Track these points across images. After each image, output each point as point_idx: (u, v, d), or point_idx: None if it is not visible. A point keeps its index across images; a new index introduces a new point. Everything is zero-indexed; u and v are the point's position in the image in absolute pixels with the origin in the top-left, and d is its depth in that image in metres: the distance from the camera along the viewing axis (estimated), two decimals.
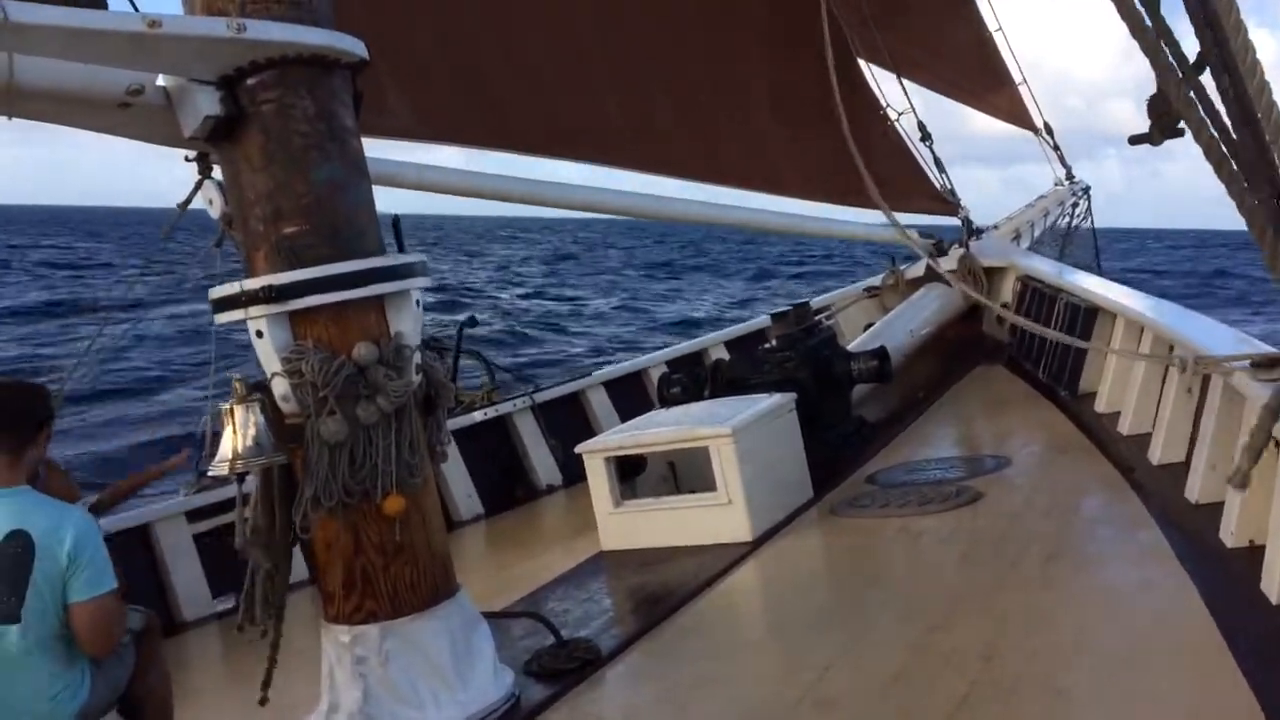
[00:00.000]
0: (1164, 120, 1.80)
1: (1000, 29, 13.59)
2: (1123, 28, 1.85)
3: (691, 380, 6.72)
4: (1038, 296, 8.80)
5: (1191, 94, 1.59)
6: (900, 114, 11.32)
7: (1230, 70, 1.37)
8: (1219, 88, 1.48)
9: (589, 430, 7.39)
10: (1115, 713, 2.85)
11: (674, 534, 5.21)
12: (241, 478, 3.21)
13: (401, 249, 3.53)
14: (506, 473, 7.60)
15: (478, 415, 7.56)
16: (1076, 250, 14.49)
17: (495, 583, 5.18)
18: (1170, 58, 1.66)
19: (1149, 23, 1.62)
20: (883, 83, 11.11)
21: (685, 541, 5.15)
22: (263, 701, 3.36)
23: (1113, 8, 1.57)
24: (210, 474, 3.23)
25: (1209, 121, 1.54)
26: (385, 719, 3.24)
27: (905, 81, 11.04)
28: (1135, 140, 1.91)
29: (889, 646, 3.57)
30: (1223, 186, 1.58)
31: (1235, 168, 1.48)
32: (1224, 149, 1.49)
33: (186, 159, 3.60)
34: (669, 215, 8.83)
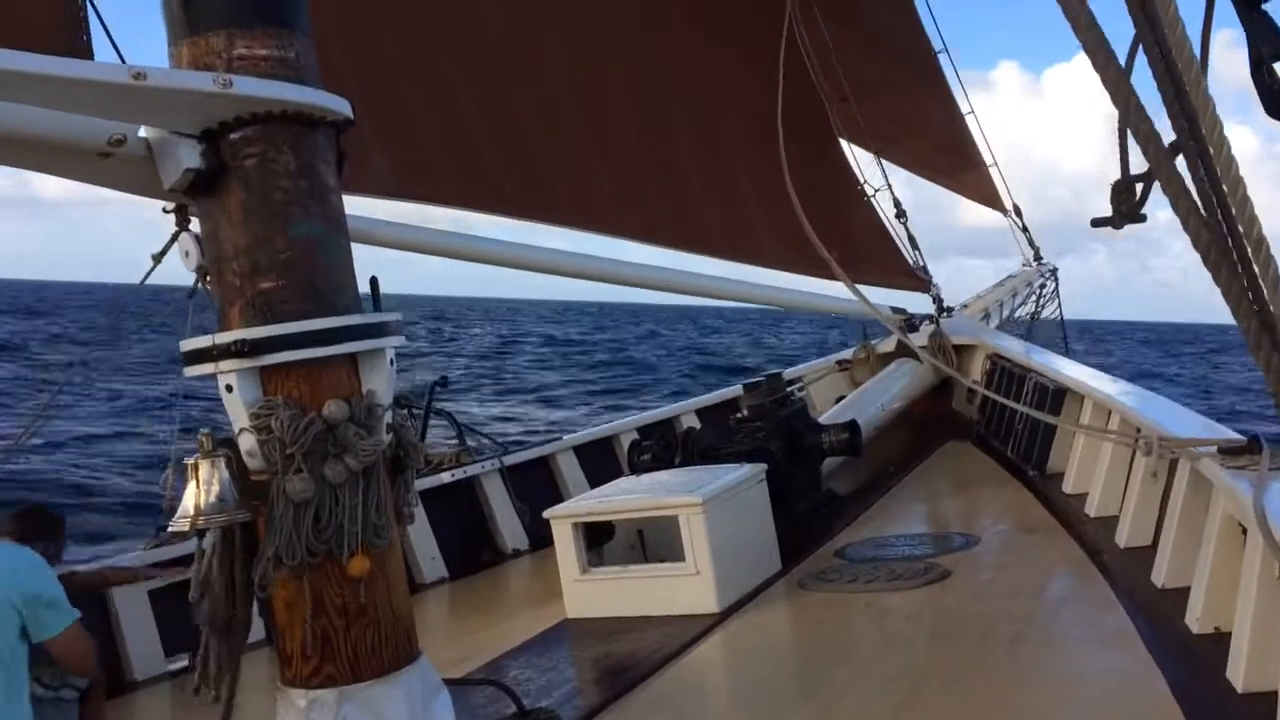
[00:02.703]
0: (1126, 205, 1.84)
1: (972, 111, 13.94)
2: (1110, 120, 1.90)
3: (662, 448, 6.70)
4: (1007, 375, 8.88)
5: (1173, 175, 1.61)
6: (876, 190, 11.53)
7: (1204, 158, 1.40)
8: (1193, 176, 1.50)
9: (558, 495, 7.34)
10: None
11: (641, 603, 5.15)
12: (203, 534, 3.15)
13: (378, 307, 3.51)
14: (472, 536, 7.50)
15: (445, 476, 7.49)
16: (1043, 332, 14.70)
17: (457, 648, 5.09)
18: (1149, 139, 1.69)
19: (1130, 104, 1.65)
20: (861, 162, 11.35)
21: (652, 611, 5.09)
22: None
23: (1100, 94, 1.61)
24: (171, 530, 3.17)
25: (1190, 203, 1.56)
26: None
27: (882, 160, 11.27)
28: (1097, 223, 1.95)
29: None
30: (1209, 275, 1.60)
31: (1218, 264, 1.51)
32: (1208, 232, 1.52)
33: (165, 210, 3.58)
34: (647, 283, 8.87)
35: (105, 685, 3.68)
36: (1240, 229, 1.41)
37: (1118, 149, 1.90)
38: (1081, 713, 3.42)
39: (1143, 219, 1.91)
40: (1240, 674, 3.19)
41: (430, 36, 7.25)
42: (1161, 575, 4.31)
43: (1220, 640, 3.48)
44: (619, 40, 8.54)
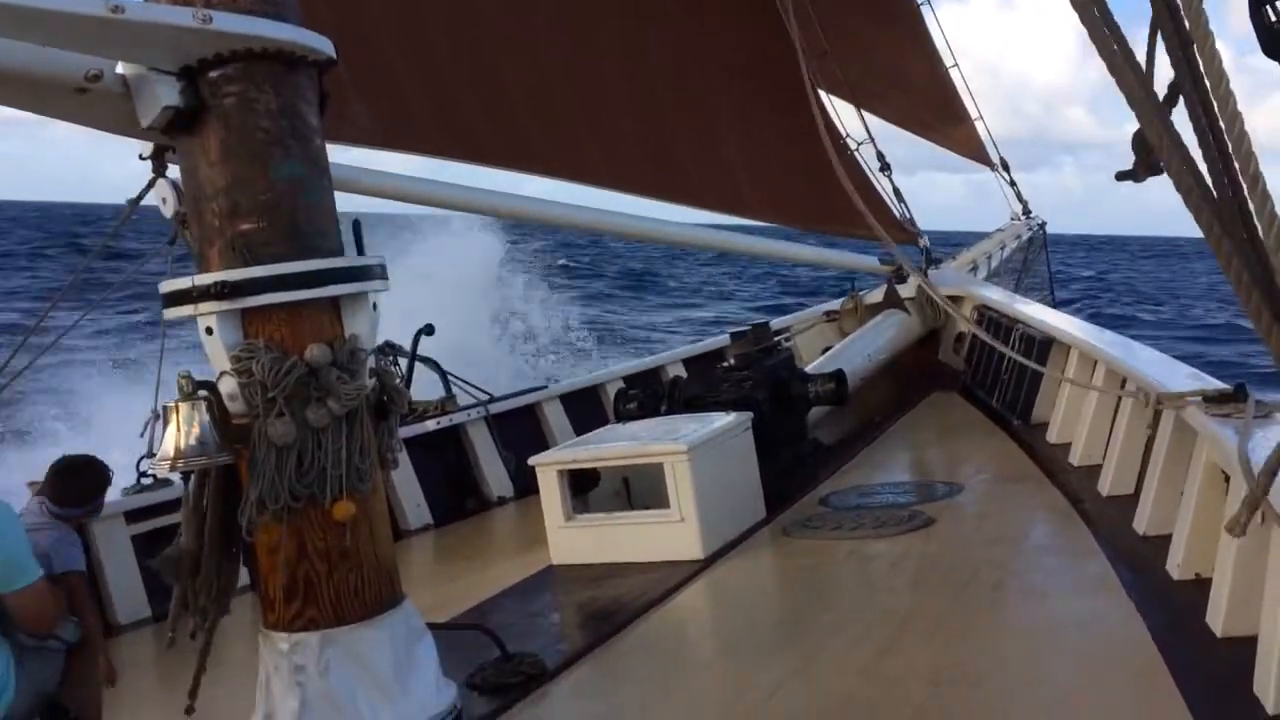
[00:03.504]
0: (1148, 157, 1.80)
1: (956, 65, 13.84)
2: (1080, 34, 1.86)
3: (648, 397, 6.70)
4: (994, 326, 8.89)
5: (1167, 129, 1.58)
6: (860, 144, 11.45)
7: (1204, 103, 1.37)
8: (1194, 123, 1.47)
9: (543, 443, 7.34)
10: None
11: (625, 550, 5.17)
12: (187, 477, 3.13)
13: (361, 251, 3.47)
14: (457, 483, 7.51)
15: (430, 424, 7.47)
16: (1032, 283, 14.74)
17: (442, 594, 5.11)
18: (1142, 89, 1.66)
19: (1119, 51, 1.62)
20: (843, 116, 11.25)
21: (636, 558, 5.11)
22: (188, 710, 3.26)
23: (1082, 32, 1.58)
24: (151, 472, 3.16)
25: (1184, 160, 1.53)
26: None
27: (865, 114, 11.17)
28: (1121, 176, 1.91)
29: (838, 669, 3.56)
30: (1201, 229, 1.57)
31: (1212, 211, 1.48)
32: (1200, 193, 1.49)
33: (141, 157, 3.52)
34: (633, 233, 8.83)
35: (102, 645, 3.65)
36: (1247, 197, 1.38)
37: (1124, 98, 1.86)
38: (1062, 657, 3.45)
39: (1162, 171, 1.87)
40: (1220, 619, 3.23)
41: None
42: (1143, 523, 4.34)
43: (1201, 586, 3.52)
44: None
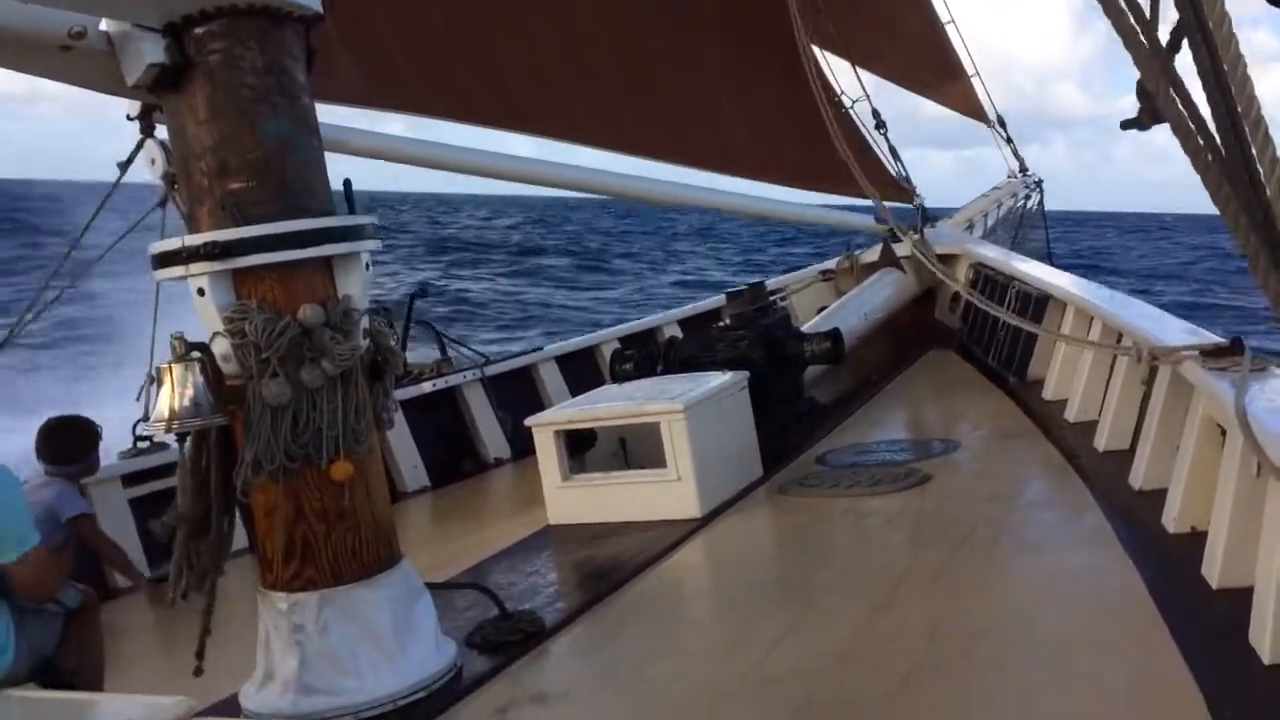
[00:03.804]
0: (1153, 104, 1.76)
1: (952, 20, 13.69)
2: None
3: (644, 357, 6.68)
4: (990, 284, 8.87)
5: (1166, 76, 1.55)
6: (855, 101, 11.36)
7: (1209, 46, 1.35)
8: (1198, 68, 1.45)
9: (539, 404, 7.34)
10: (1056, 693, 2.87)
11: (622, 509, 5.18)
12: (182, 438, 3.12)
13: (352, 211, 3.44)
14: (454, 445, 7.52)
15: (426, 386, 7.47)
16: (1028, 241, 14.68)
17: (440, 554, 5.12)
18: (1142, 35, 1.63)
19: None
20: (838, 73, 11.15)
21: (633, 517, 5.12)
22: (197, 671, 3.28)
23: None
24: (145, 433, 3.15)
25: (1183, 106, 1.50)
26: (322, 688, 3.18)
27: (860, 71, 11.06)
28: (1126, 125, 1.88)
29: (835, 624, 3.57)
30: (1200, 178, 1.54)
31: (1210, 159, 1.45)
32: (1199, 138, 1.46)
33: (129, 117, 3.48)
34: (626, 192, 8.75)
35: (97, 607, 3.65)
36: (1251, 148, 1.36)
37: (1121, 42, 1.83)
38: (1058, 611, 3.47)
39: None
40: (1216, 570, 3.24)
41: None
42: (1139, 478, 4.35)
43: (1196, 539, 3.53)
44: None
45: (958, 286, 7.35)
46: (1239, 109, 1.35)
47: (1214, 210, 1.63)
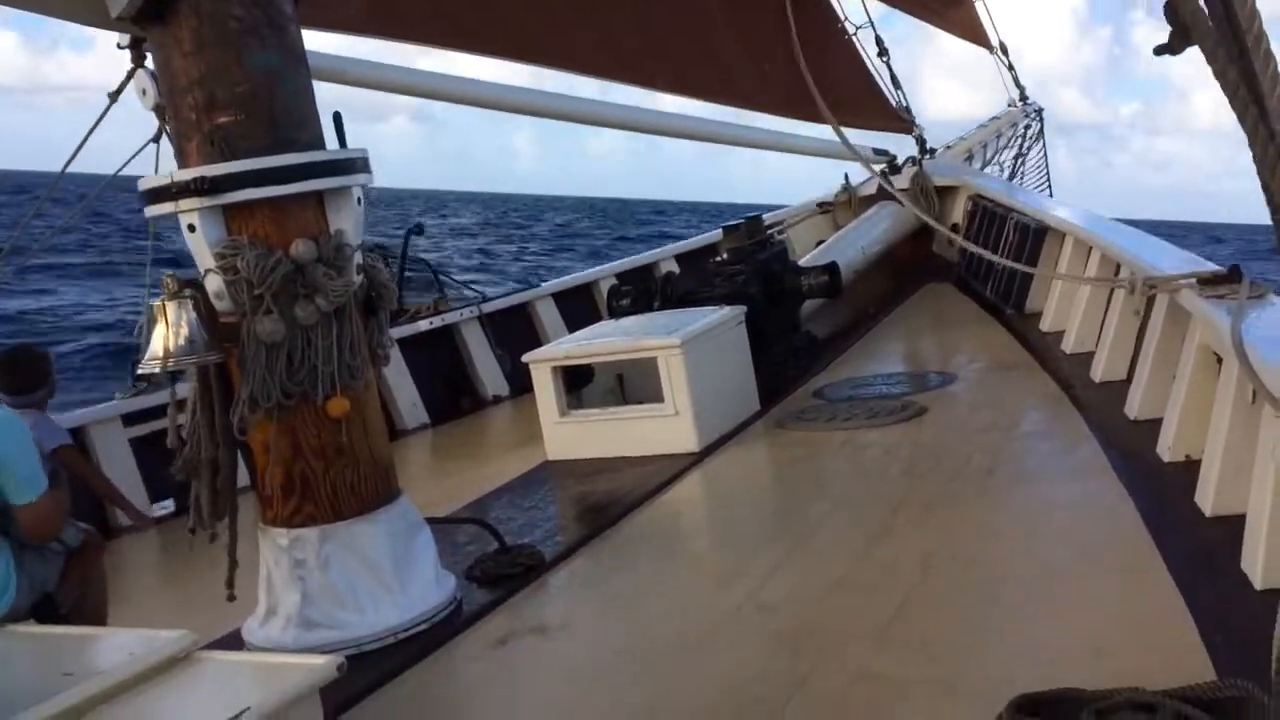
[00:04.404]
0: (1183, 26, 1.72)
1: None
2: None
3: (641, 293, 6.66)
4: (988, 216, 8.82)
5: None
6: (859, 28, 11.17)
7: None
8: None
9: (537, 341, 7.33)
10: (1049, 620, 2.90)
11: (620, 444, 5.20)
12: (174, 377, 3.11)
13: (343, 144, 3.40)
14: (452, 383, 7.53)
15: (423, 324, 7.45)
16: (1029, 170, 14.55)
17: (439, 491, 5.15)
18: None
19: None
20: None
21: (631, 452, 5.14)
22: (230, 599, 3.35)
23: None
24: (141, 372, 3.14)
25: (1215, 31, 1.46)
26: (323, 622, 3.22)
27: None
28: (1159, 50, 1.83)
29: (831, 554, 3.61)
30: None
31: (1239, 78, 1.42)
32: (1227, 57, 1.42)
33: (119, 46, 3.42)
34: (617, 121, 8.63)
35: (102, 545, 3.68)
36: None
37: None
38: (1052, 539, 3.50)
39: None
40: (1209, 498, 3.26)
41: None
42: (1134, 408, 4.36)
43: (1190, 468, 3.54)
44: None
45: (948, 234, 7.30)
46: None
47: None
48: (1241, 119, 1.43)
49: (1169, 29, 1.59)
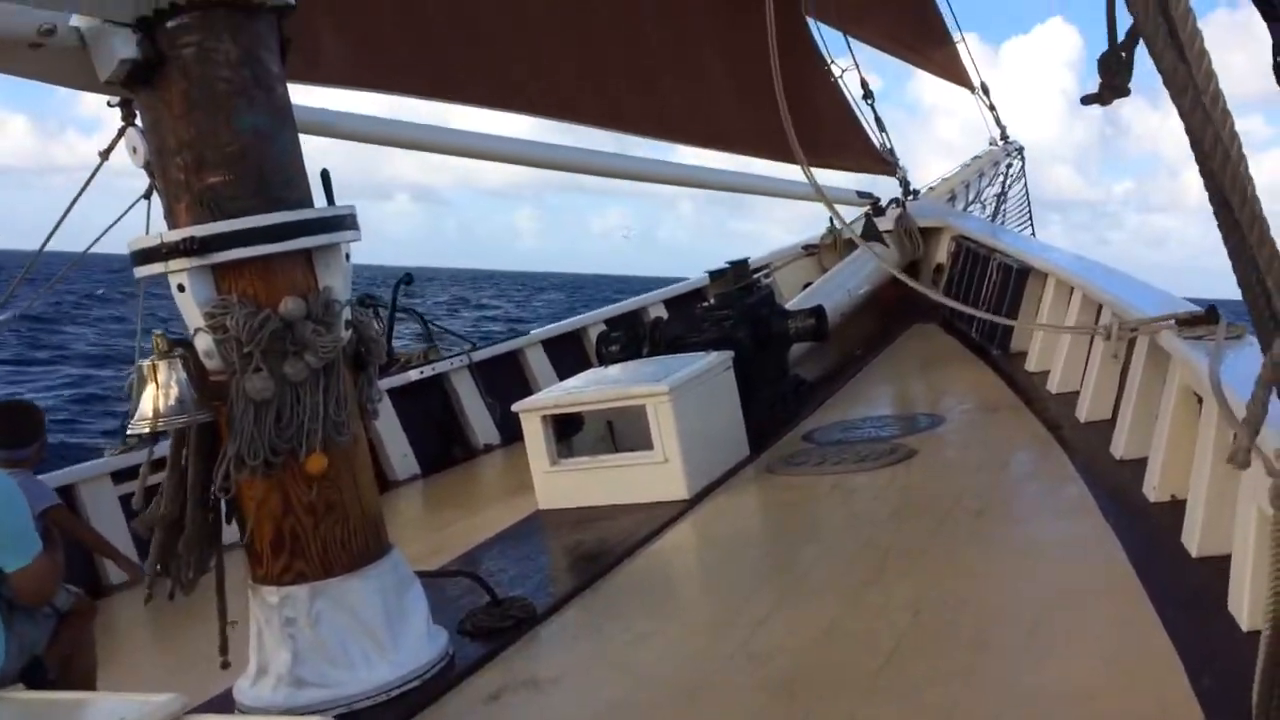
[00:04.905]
0: (1113, 79, 1.78)
1: None
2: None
3: (630, 339, 6.69)
4: (971, 256, 8.91)
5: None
6: (844, 71, 11.35)
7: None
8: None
9: (527, 389, 7.34)
10: (1039, 663, 2.91)
11: (611, 492, 5.20)
12: (158, 438, 3.12)
13: (331, 202, 3.44)
14: (443, 432, 7.53)
15: (414, 374, 7.46)
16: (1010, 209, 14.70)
17: (430, 542, 5.14)
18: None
19: None
20: (827, 40, 11.14)
21: (622, 500, 5.14)
22: (224, 665, 3.33)
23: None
24: (131, 432, 3.14)
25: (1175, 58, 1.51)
26: (315, 681, 3.20)
27: (849, 40, 11.06)
28: (1087, 100, 1.90)
29: (822, 600, 3.61)
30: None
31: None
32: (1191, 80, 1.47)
33: (110, 104, 3.46)
34: (602, 169, 8.72)
35: (93, 609, 3.65)
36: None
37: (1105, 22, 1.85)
38: (1041, 581, 3.51)
39: (1127, 93, 1.87)
40: (1195, 539, 3.28)
41: None
42: (1120, 447, 4.39)
43: (1176, 508, 3.57)
44: None
45: (931, 293, 7.36)
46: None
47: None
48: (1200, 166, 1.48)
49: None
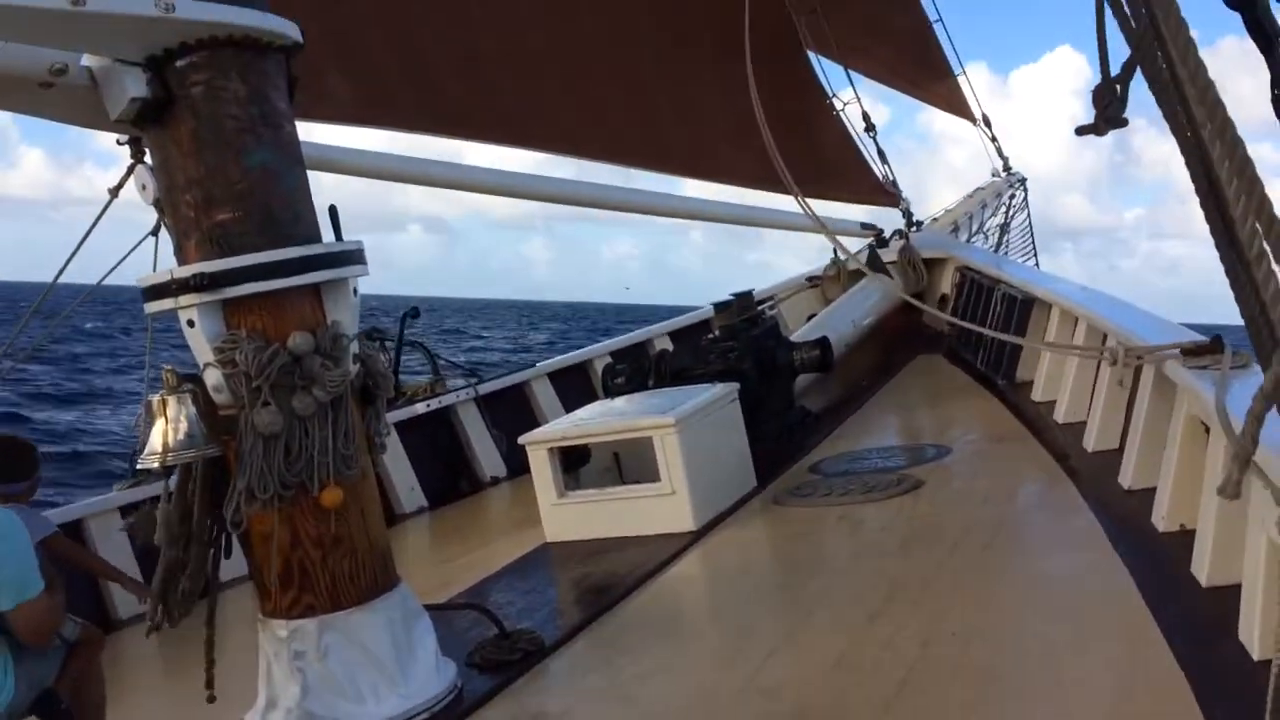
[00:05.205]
0: (1106, 110, 1.81)
1: (940, 20, 13.79)
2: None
3: (636, 371, 6.71)
4: (976, 287, 8.93)
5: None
6: (846, 104, 11.45)
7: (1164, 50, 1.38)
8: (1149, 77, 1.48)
9: (533, 421, 7.35)
10: (1048, 695, 2.89)
11: (618, 525, 5.19)
12: (169, 472, 3.13)
13: (339, 237, 3.46)
14: (450, 465, 7.53)
15: (420, 407, 7.48)
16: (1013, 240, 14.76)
17: (438, 576, 5.13)
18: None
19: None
20: (829, 73, 11.25)
21: (629, 532, 5.13)
22: (210, 699, 3.30)
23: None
24: (140, 467, 3.15)
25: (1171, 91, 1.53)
26: (324, 714, 3.19)
27: (851, 73, 11.16)
28: (1082, 131, 1.92)
29: (830, 634, 3.59)
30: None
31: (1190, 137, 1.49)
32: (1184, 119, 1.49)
33: (119, 142, 3.50)
34: (606, 202, 8.79)
35: (101, 640, 3.65)
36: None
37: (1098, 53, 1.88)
38: (1050, 612, 3.49)
39: (1124, 123, 1.89)
40: (1205, 568, 3.27)
41: None
42: (1128, 477, 4.38)
43: (1185, 537, 3.56)
44: None
45: (938, 313, 7.38)
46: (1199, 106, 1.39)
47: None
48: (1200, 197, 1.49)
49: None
